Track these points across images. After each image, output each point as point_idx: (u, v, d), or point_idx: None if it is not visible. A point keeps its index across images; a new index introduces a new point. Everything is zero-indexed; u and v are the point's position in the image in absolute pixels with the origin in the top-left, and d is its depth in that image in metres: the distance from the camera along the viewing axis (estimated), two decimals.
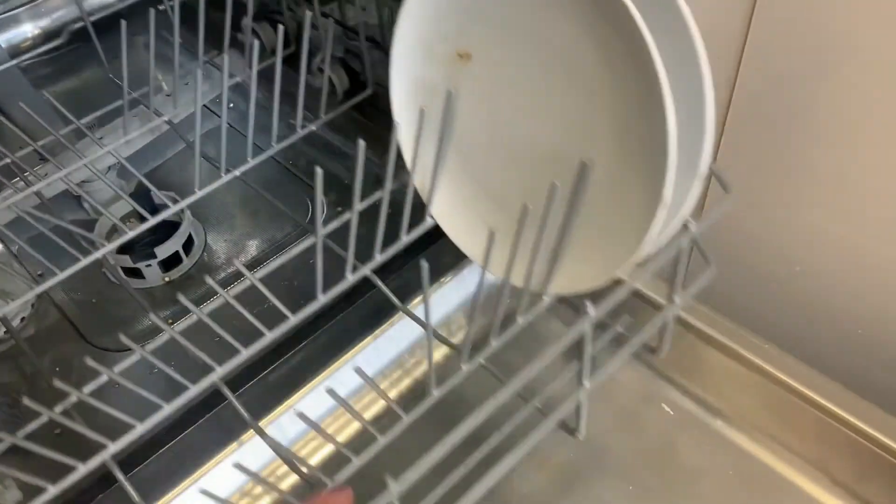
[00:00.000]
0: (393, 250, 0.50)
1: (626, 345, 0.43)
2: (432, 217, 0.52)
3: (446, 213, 0.53)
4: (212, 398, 0.52)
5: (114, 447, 0.42)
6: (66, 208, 0.76)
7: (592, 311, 0.39)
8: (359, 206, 0.45)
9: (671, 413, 0.53)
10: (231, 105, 0.83)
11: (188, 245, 0.71)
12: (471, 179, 0.53)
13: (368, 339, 0.55)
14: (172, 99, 0.68)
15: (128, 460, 0.50)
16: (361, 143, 0.43)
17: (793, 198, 0.57)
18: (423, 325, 0.42)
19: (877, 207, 0.53)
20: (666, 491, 0.50)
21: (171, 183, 0.79)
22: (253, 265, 0.70)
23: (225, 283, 0.68)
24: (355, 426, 0.54)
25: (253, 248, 0.71)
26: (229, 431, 0.50)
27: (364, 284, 0.53)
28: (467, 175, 0.53)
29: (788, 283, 0.61)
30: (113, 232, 0.73)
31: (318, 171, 0.41)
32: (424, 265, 0.37)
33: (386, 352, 0.56)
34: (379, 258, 0.49)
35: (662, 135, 0.37)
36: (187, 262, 0.70)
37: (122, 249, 0.68)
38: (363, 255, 0.49)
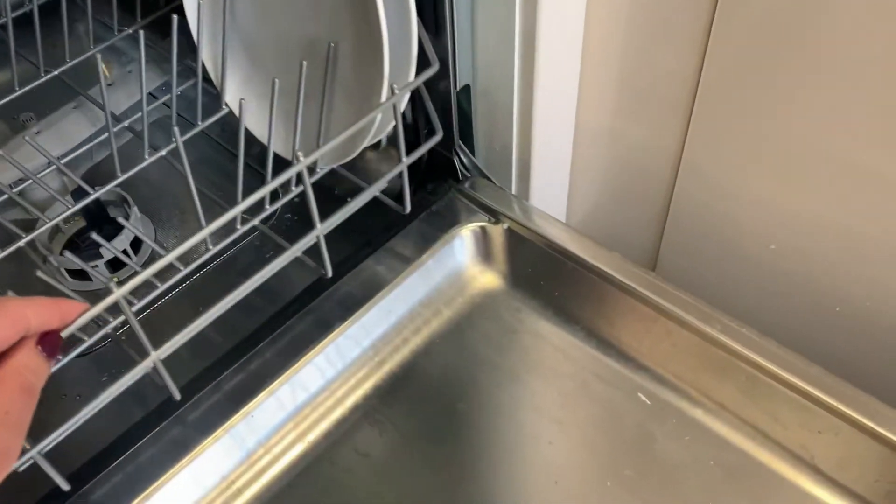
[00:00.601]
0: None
1: (363, 193, 0.52)
2: (227, 105, 0.60)
3: (236, 101, 0.58)
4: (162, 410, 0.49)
5: None
6: (4, 206, 0.72)
7: (303, 158, 0.45)
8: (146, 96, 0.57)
9: (648, 403, 0.51)
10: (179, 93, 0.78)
11: (137, 243, 0.67)
12: (257, 70, 0.59)
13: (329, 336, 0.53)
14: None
15: (78, 475, 0.47)
16: (141, 33, 0.54)
17: (765, 176, 0.55)
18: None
19: (851, 184, 0.51)
20: (645, 485, 0.48)
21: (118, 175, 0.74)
22: (207, 261, 0.66)
23: (179, 281, 0.64)
24: (317, 432, 0.51)
25: (205, 242, 0.68)
26: (183, 443, 0.47)
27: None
28: (254, 66, 0.59)
29: (764, 262, 0.59)
30: (56, 232, 0.69)
31: None
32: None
33: (348, 350, 0.53)
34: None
35: (379, 28, 0.46)
36: (136, 261, 0.67)
37: (67, 250, 0.64)
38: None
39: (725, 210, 0.59)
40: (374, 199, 0.55)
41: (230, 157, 0.74)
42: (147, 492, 0.45)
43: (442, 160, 0.63)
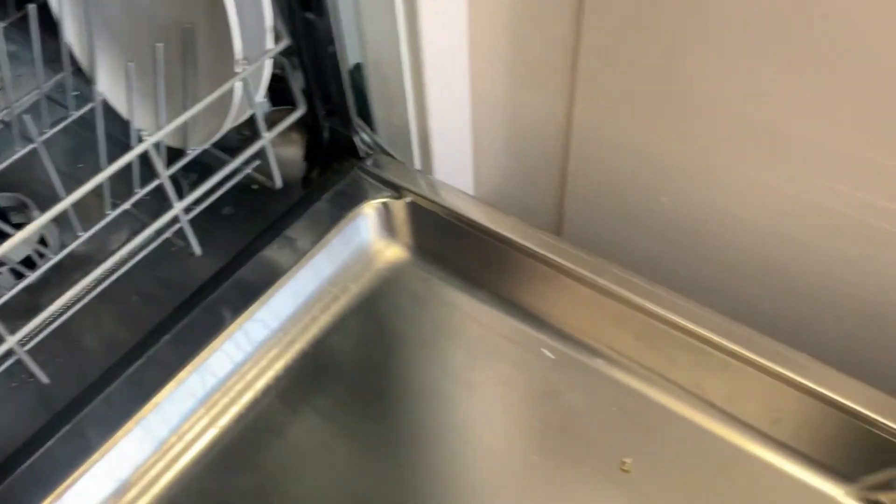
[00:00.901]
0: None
1: (224, 168, 0.54)
2: (101, 93, 0.59)
3: (111, 88, 0.62)
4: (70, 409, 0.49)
5: None
6: None
7: (148, 137, 0.47)
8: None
9: (552, 357, 0.53)
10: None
11: (42, 245, 0.66)
12: (125, 55, 0.60)
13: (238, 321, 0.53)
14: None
15: None
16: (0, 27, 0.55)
17: (650, 130, 0.57)
18: None
19: (736, 133, 0.53)
20: (551, 434, 0.49)
21: (18, 182, 0.73)
22: (119, 264, 0.65)
23: (92, 285, 0.64)
24: (228, 418, 0.52)
25: (114, 240, 0.67)
26: (94, 439, 0.47)
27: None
28: (122, 52, 0.60)
29: (656, 214, 0.61)
30: None
31: None
32: None
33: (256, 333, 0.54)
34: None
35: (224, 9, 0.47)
36: (42, 265, 0.66)
37: None
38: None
39: (618, 167, 0.61)
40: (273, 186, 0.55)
41: (124, 147, 0.73)
42: (58, 490, 0.45)
43: (344, 140, 0.64)
